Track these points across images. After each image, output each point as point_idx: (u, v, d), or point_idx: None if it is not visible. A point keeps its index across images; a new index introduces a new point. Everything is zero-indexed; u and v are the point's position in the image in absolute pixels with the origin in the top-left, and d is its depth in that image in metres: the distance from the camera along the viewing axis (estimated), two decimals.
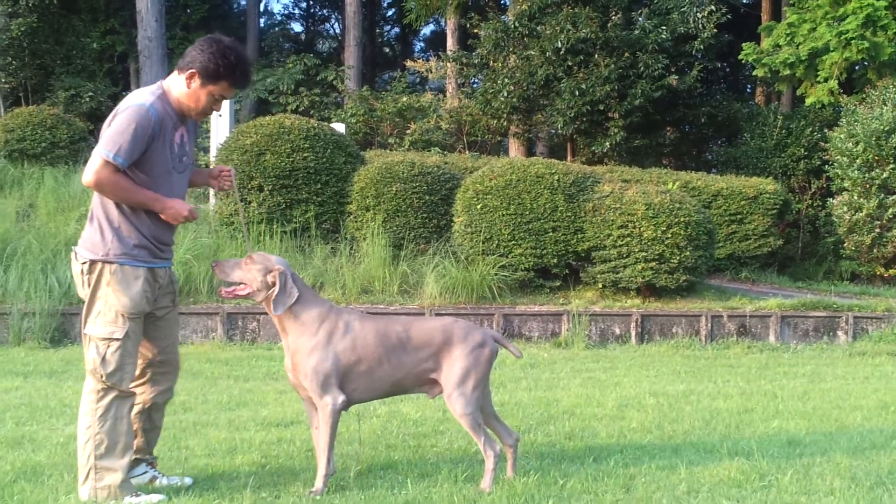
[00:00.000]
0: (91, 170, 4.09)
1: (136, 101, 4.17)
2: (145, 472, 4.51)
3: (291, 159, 11.79)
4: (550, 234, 11.36)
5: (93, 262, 4.21)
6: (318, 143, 12.00)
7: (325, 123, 13.30)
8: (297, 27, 37.92)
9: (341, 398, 4.34)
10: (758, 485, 4.57)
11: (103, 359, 4.17)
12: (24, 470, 4.69)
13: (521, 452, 5.27)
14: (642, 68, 16.75)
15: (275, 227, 11.60)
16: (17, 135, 14.07)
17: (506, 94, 17.44)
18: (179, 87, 4.27)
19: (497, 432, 4.70)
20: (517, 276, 11.38)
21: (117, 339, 4.18)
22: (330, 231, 12.02)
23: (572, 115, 16.72)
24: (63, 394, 7.09)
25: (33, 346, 9.70)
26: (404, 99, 19.21)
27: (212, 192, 12.64)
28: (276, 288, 4.34)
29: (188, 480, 4.51)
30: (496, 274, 11.23)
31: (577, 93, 16.52)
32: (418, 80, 28.04)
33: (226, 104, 13.49)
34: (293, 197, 11.82)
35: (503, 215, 11.40)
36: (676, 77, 17.02)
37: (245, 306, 10.51)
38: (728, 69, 29.36)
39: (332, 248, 11.75)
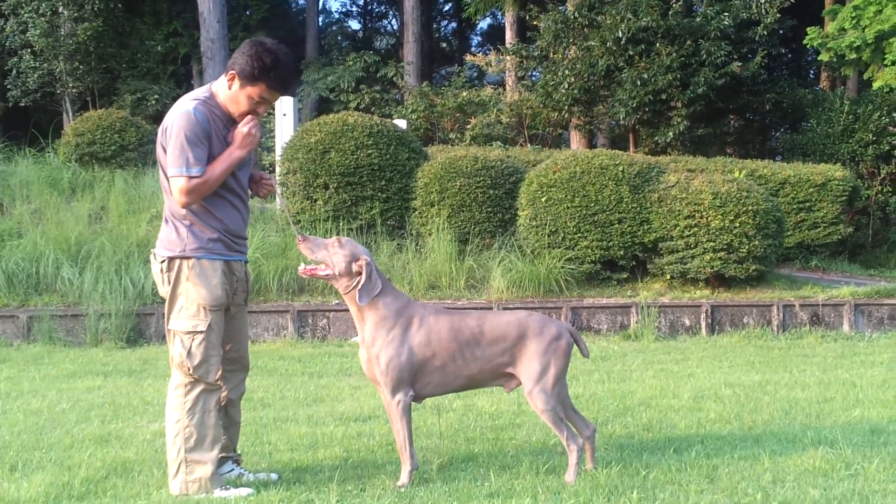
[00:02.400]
0: (178, 195, 4.17)
1: (181, 110, 4.25)
2: (232, 470, 4.57)
3: (356, 156, 11.87)
4: (616, 225, 11.30)
5: (171, 259, 4.29)
6: (381, 139, 12.07)
7: (388, 120, 13.37)
8: (354, 24, 38.16)
9: (410, 394, 4.35)
10: (844, 473, 4.51)
11: (189, 352, 4.25)
12: (115, 466, 4.80)
13: (600, 444, 5.27)
14: (704, 56, 16.55)
15: (341, 224, 11.69)
16: (87, 138, 14.34)
17: (566, 86, 17.35)
18: (224, 89, 4.33)
19: (574, 424, 4.68)
20: (584, 268, 11.34)
21: (201, 332, 4.26)
22: (395, 227, 12.08)
23: (634, 105, 16.58)
24: (144, 392, 7.23)
25: (110, 347, 9.90)
26: (464, 94, 19.22)
27: (278, 190, 12.77)
28: (363, 278, 4.34)
29: (274, 476, 4.57)
30: (562, 267, 11.19)
31: (638, 83, 16.38)
32: (475, 74, 28.04)
33: (289, 102, 13.62)
34: (358, 194, 11.90)
35: (568, 208, 11.36)
36: (739, 64, 16.78)
37: (314, 304, 10.63)
38: (790, 54, 28.92)
39: (397, 244, 11.81)
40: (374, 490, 4.30)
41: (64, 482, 4.44)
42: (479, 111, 18.88)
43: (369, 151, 11.91)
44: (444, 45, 38.63)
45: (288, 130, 13.20)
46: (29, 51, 19.30)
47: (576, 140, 20.45)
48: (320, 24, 29.39)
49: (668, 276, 11.43)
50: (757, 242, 10.98)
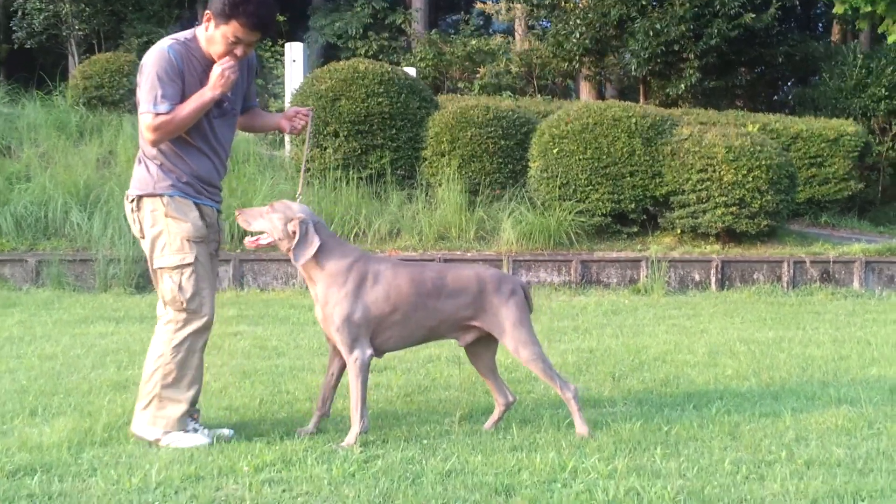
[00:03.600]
0: (146, 132, 4.12)
1: (157, 47, 4.19)
2: (188, 424, 4.39)
3: (366, 104, 11.77)
4: (628, 178, 11.24)
5: (140, 198, 4.24)
6: (392, 87, 11.95)
7: (399, 68, 13.24)
8: None
9: (369, 352, 4.26)
10: (867, 432, 4.50)
11: (179, 286, 4.20)
12: (132, 412, 4.78)
13: (619, 397, 5.27)
14: (718, 7, 16.35)
15: (350, 173, 11.61)
16: (95, 82, 14.19)
17: (578, 36, 17.19)
18: (203, 32, 4.25)
19: (494, 389, 4.66)
20: (594, 221, 11.29)
21: (189, 264, 4.21)
22: (405, 177, 12.00)
23: (646, 56, 16.44)
24: None
25: (119, 293, 9.89)
26: (473, 42, 19.03)
27: (287, 138, 12.67)
28: (297, 237, 4.25)
29: (229, 432, 4.44)
30: (573, 220, 11.14)
31: (651, 33, 16.22)
32: (482, 22, 27.74)
33: (299, 49, 13.47)
34: (368, 143, 11.82)
35: (580, 160, 11.29)
36: (753, 15, 16.59)
37: None
38: (800, 7, 28.58)
39: (407, 194, 11.74)
40: (397, 441, 4.28)
41: (86, 428, 4.42)
42: (488, 60, 18.71)
43: (380, 99, 11.81)
44: None
45: (297, 77, 13.07)
46: None
47: (585, 91, 20.29)
48: None
49: (679, 231, 11.39)
50: (769, 197, 10.93)
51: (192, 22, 23.65)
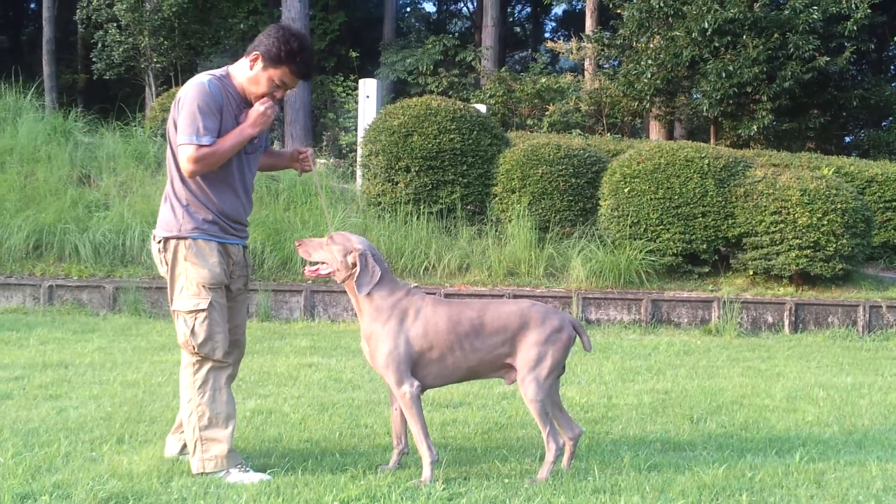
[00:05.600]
0: (184, 164, 4.19)
1: (195, 82, 4.27)
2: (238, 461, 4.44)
3: (438, 140, 11.88)
4: (700, 219, 11.17)
5: (167, 240, 4.31)
6: (464, 124, 12.07)
7: (471, 105, 13.35)
8: (429, 7, 38.12)
9: (416, 384, 4.27)
10: None
11: (192, 331, 4.26)
12: None
13: (698, 440, 5.22)
14: (792, 49, 16.25)
15: (421, 207, 11.72)
16: None
17: (649, 76, 17.17)
18: (244, 70, 4.33)
19: (560, 423, 4.58)
20: (665, 260, 11.23)
21: (203, 310, 4.27)
22: (475, 213, 12.07)
23: (718, 97, 16.36)
24: None
25: None
26: (543, 80, 19.10)
27: (359, 172, 12.83)
28: (358, 268, 4.31)
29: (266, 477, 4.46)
30: (643, 258, 11.10)
31: (723, 74, 16.15)
32: (549, 59, 27.84)
33: (372, 85, 13.65)
34: (439, 178, 11.92)
35: (651, 199, 11.25)
36: (827, 58, 16.45)
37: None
38: (874, 50, 28.26)
39: (477, 229, 11.80)
40: (479, 479, 4.29)
41: (173, 458, 4.51)
42: (558, 98, 18.75)
43: (452, 136, 11.92)
44: (518, 29, 38.43)
45: (370, 112, 13.23)
46: (115, 25, 19.55)
47: (655, 130, 20.23)
48: (399, 4, 29.37)
49: (752, 272, 11.27)
50: (845, 241, 10.78)
51: None
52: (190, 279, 4.28)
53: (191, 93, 4.21)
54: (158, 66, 19.70)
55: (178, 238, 4.28)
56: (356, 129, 14.63)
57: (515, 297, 10.61)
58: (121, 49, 19.47)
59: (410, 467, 4.49)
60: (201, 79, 4.27)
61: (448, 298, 4.58)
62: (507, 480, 4.30)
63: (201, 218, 4.28)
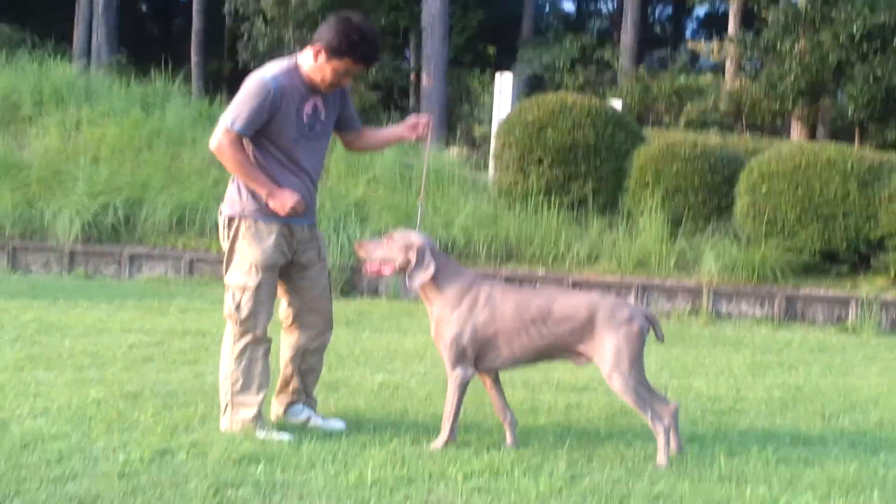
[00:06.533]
0: (214, 136, 4.39)
1: (261, 75, 4.40)
2: (302, 412, 4.77)
3: (572, 135, 11.89)
4: (840, 219, 10.87)
5: (231, 218, 4.49)
6: (598, 120, 12.06)
7: (606, 102, 13.30)
8: (568, 6, 37.96)
9: (470, 371, 4.41)
10: None
11: (237, 306, 4.46)
12: (347, 413, 5.02)
13: (830, 437, 5.08)
14: None
15: (552, 198, 11.73)
16: None
17: (792, 79, 16.72)
18: (308, 61, 4.43)
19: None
20: (801, 258, 10.97)
21: (250, 288, 4.44)
22: (606, 206, 11.99)
23: (865, 100, 15.83)
24: (364, 343, 7.53)
25: None
26: (682, 78, 18.81)
27: (491, 163, 12.90)
28: (412, 262, 4.42)
29: (340, 424, 4.72)
30: (779, 256, 10.87)
31: (871, 78, 15.62)
32: (688, 59, 27.36)
33: (508, 79, 13.70)
34: (571, 171, 11.93)
35: (789, 199, 10.99)
36: None
37: (522, 272, 10.81)
38: None
39: (608, 222, 11.75)
40: (602, 462, 4.29)
41: (299, 423, 4.70)
42: (696, 97, 18.44)
43: (586, 131, 11.90)
44: (658, 29, 37.87)
45: (506, 106, 13.30)
46: (261, 17, 20.12)
47: (796, 131, 19.66)
48: (537, 4, 29.30)
49: (893, 273, 10.88)
50: None
51: (402, 50, 24.40)
52: (244, 257, 4.46)
53: (252, 86, 4.38)
54: None
55: (241, 217, 4.47)
56: (490, 122, 14.70)
57: (644, 288, 10.70)
58: (265, 41, 20.01)
59: (533, 445, 4.52)
60: (265, 75, 4.41)
61: (520, 286, 4.65)
62: (630, 464, 4.29)
63: (264, 201, 4.43)
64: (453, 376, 4.41)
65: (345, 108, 4.79)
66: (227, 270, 4.55)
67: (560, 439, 4.69)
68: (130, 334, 7.31)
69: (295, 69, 4.48)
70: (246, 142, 4.41)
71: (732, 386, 6.45)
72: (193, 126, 13.81)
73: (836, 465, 4.41)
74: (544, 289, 4.65)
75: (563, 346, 4.43)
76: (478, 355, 4.42)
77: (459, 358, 4.39)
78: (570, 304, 4.43)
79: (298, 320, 4.75)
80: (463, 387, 4.43)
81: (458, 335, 4.36)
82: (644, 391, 4.39)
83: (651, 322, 4.49)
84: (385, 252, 4.50)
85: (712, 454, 4.51)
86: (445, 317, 4.40)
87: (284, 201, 4.37)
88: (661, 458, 4.32)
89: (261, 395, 4.52)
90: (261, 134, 4.41)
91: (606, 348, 4.33)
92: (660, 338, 4.56)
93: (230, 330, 4.54)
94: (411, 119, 4.82)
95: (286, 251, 4.54)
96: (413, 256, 4.43)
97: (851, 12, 15.88)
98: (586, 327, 4.37)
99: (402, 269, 4.48)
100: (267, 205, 4.42)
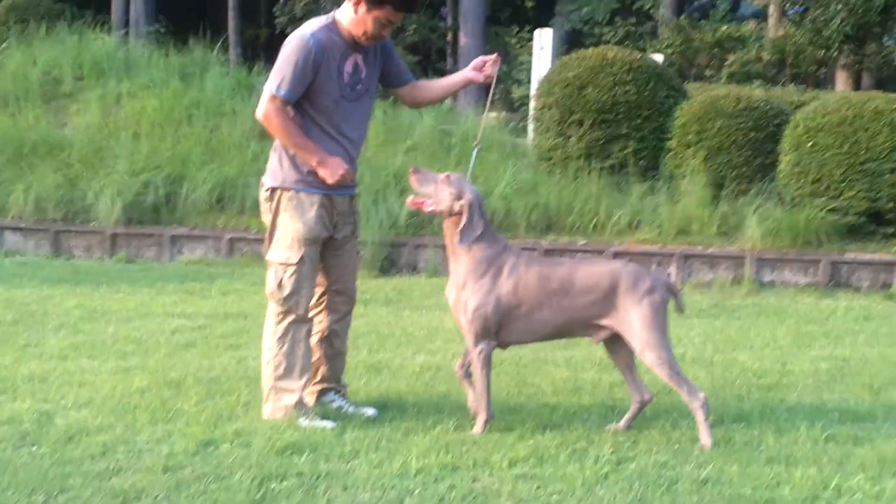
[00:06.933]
0: (260, 105, 4.33)
1: (300, 33, 4.33)
2: (332, 401, 4.71)
3: (613, 93, 11.63)
4: (888, 175, 10.56)
5: (273, 190, 4.43)
6: (640, 76, 11.76)
7: (648, 55, 13.05)
8: None
9: (493, 344, 4.35)
10: None
11: (280, 283, 4.40)
12: (389, 396, 5.04)
13: (879, 411, 4.99)
14: None
15: (592, 163, 11.53)
16: None
17: (838, 22, 16.31)
18: (348, 14, 4.34)
19: (631, 386, 4.58)
20: (847, 220, 10.69)
21: (293, 264, 4.38)
22: (647, 168, 11.76)
23: None
24: (404, 323, 7.50)
25: (364, 276, 10.15)
26: (724, 28, 18.42)
27: (531, 127, 12.75)
28: (464, 219, 4.31)
29: (372, 411, 4.65)
30: (824, 217, 10.61)
31: None
32: (730, 5, 26.81)
33: (548, 35, 13.48)
34: (613, 132, 11.68)
35: (835, 154, 10.70)
36: None
37: (562, 242, 10.63)
38: None
39: (649, 185, 11.53)
40: (649, 444, 4.26)
41: (334, 410, 4.70)
42: (739, 47, 18.06)
43: (627, 88, 11.65)
44: None
45: (545, 64, 13.06)
46: None
47: (841, 80, 19.25)
48: None
49: None
50: None
51: (438, 9, 24.16)
52: (286, 232, 4.40)
53: (293, 44, 4.32)
54: None
55: (283, 188, 4.41)
56: (529, 82, 14.51)
57: (686, 257, 10.44)
58: (302, 4, 19.92)
59: (577, 427, 4.50)
60: (305, 32, 4.35)
61: (544, 256, 4.58)
62: (677, 446, 4.26)
63: (306, 170, 4.38)
64: (477, 352, 4.36)
65: (391, 63, 4.70)
66: (268, 247, 4.51)
67: (605, 419, 4.67)
68: (173, 319, 7.35)
69: (333, 25, 4.41)
70: (288, 109, 4.37)
71: (778, 359, 6.37)
72: (232, 96, 13.75)
73: (887, 442, 4.36)
74: (566, 260, 4.54)
75: (584, 319, 4.38)
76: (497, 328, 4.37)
77: (484, 332, 4.34)
78: (592, 272, 4.38)
79: (324, 301, 4.69)
80: (489, 361, 4.39)
81: (480, 306, 4.30)
82: (676, 364, 4.35)
83: (672, 292, 4.44)
84: (434, 192, 4.42)
85: (760, 433, 4.46)
86: (469, 284, 4.34)
87: (335, 169, 4.33)
88: (704, 439, 4.28)
89: (303, 380, 4.49)
90: (302, 97, 4.35)
91: (633, 321, 4.29)
92: (680, 309, 4.51)
93: (272, 310, 4.51)
94: (479, 60, 4.73)
95: (328, 224, 4.49)
96: (460, 209, 4.35)
97: None
98: (609, 298, 4.32)
99: (442, 214, 4.42)
100: (308, 174, 4.37)
